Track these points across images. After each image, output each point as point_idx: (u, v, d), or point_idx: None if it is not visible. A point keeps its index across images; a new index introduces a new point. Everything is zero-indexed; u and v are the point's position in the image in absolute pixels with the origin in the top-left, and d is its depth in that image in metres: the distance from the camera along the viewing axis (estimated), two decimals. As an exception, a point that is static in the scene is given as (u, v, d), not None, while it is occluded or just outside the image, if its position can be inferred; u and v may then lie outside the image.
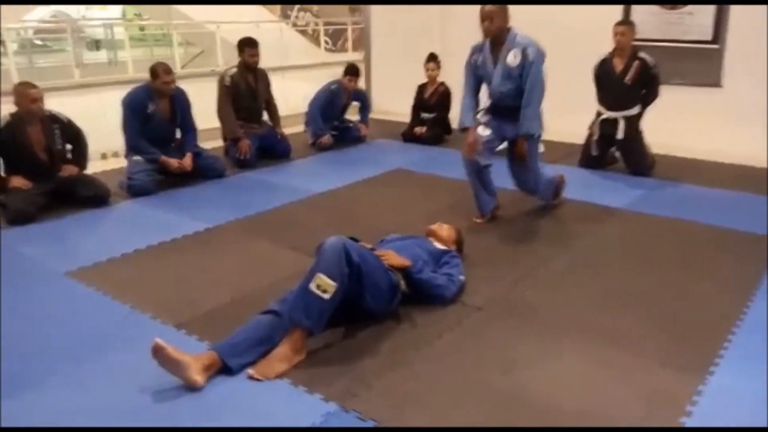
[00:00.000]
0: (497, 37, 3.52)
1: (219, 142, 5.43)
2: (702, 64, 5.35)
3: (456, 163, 5.30)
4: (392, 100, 6.99)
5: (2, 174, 3.99)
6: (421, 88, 6.09)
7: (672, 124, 5.00)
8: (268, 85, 5.35)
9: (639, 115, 4.67)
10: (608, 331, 2.49)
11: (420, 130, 5.98)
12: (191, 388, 2.08)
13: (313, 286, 2.23)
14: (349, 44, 15.70)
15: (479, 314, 2.65)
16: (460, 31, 6.68)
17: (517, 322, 2.59)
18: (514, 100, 3.58)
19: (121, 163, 4.80)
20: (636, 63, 4.52)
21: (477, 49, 3.67)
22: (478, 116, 3.78)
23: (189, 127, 4.74)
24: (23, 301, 2.81)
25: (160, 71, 4.43)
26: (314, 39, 14.63)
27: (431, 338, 2.45)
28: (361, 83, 7.96)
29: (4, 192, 3.86)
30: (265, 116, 5.46)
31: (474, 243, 3.33)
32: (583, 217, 3.92)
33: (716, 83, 5.37)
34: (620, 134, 4.64)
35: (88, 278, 3.02)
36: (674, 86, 5.12)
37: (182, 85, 4.78)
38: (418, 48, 6.87)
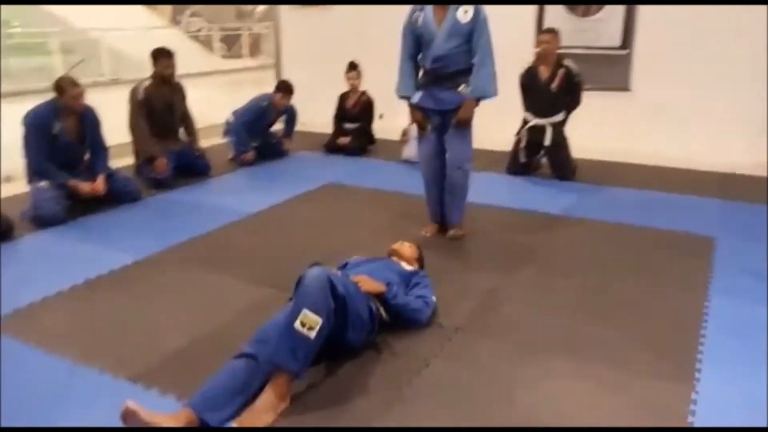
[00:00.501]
0: None
1: (126, 161, 4.99)
2: (612, 69, 5.61)
3: (386, 173, 5.27)
4: (309, 109, 6.77)
5: None
6: (343, 98, 5.94)
7: (586, 128, 5.17)
8: (184, 98, 4.98)
9: (564, 122, 4.81)
10: (592, 345, 2.48)
11: (344, 140, 5.83)
12: (170, 453, 1.81)
13: (297, 325, 2.03)
14: (245, 50, 15.20)
15: (460, 335, 2.55)
16: (380, 38, 6.66)
17: (500, 341, 2.52)
18: (457, 62, 3.37)
19: (20, 188, 4.27)
20: (561, 71, 4.65)
21: (417, 9, 3.42)
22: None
23: (99, 148, 4.30)
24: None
25: (66, 85, 3.97)
26: (207, 45, 14.03)
27: (418, 367, 2.32)
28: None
29: None
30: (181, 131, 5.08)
31: (429, 259, 3.23)
32: (529, 225, 3.95)
33: (625, 87, 5.66)
34: (548, 141, 4.75)
35: (12, 330, 2.60)
36: (587, 91, 5.33)
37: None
38: (335, 55, 6.76)
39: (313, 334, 2.03)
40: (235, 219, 4.02)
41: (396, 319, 2.52)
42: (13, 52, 11.70)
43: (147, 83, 4.72)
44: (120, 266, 3.28)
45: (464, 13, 3.32)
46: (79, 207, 4.13)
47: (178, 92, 4.90)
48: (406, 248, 2.99)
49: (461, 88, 3.40)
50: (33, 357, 2.41)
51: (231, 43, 15.14)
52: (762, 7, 5.01)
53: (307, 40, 7.26)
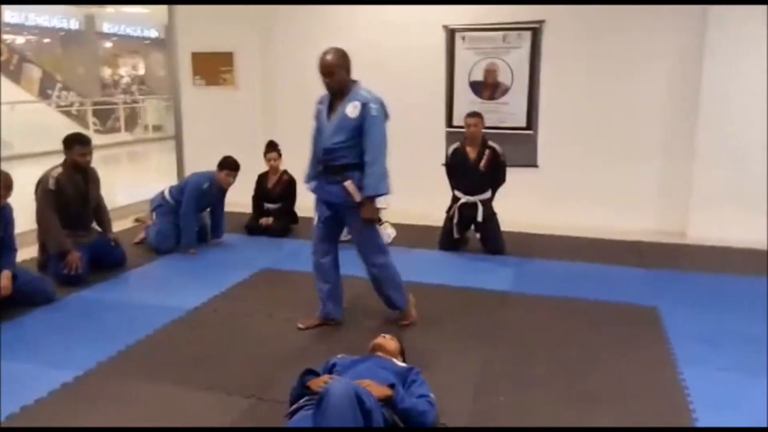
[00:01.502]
0: (339, 90, 3.30)
1: (25, 254, 4.44)
2: (521, 147, 5.98)
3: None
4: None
5: None
6: (262, 178, 5.78)
7: (503, 201, 5.41)
8: (98, 185, 4.55)
9: (491, 198, 5.01)
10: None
11: (266, 221, 5.63)
12: None
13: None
14: (121, 124, 14.45)
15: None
16: (285, 116, 6.65)
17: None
18: (344, 157, 3.29)
19: None
20: (488, 151, 4.87)
21: (319, 100, 3.45)
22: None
23: (10, 246, 3.79)
24: None
25: None
26: (80, 120, 13.17)
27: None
28: (173, 168, 7.33)
29: None
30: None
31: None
32: (481, 304, 3.98)
33: (533, 164, 6.05)
34: (480, 217, 4.91)
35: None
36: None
37: None
38: (241, 132, 6.64)
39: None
40: (172, 317, 3.67)
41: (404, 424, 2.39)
42: None
43: (58, 171, 4.27)
44: (60, 384, 2.83)
45: (353, 108, 3.25)
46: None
47: (93, 179, 4.48)
48: (390, 342, 2.87)
49: (347, 183, 3.30)
50: None
51: (105, 117, 14.34)
52: (660, 89, 5.63)
53: (212, 118, 7.04)
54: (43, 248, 4.39)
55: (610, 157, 5.87)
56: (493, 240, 5.01)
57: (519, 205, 5.51)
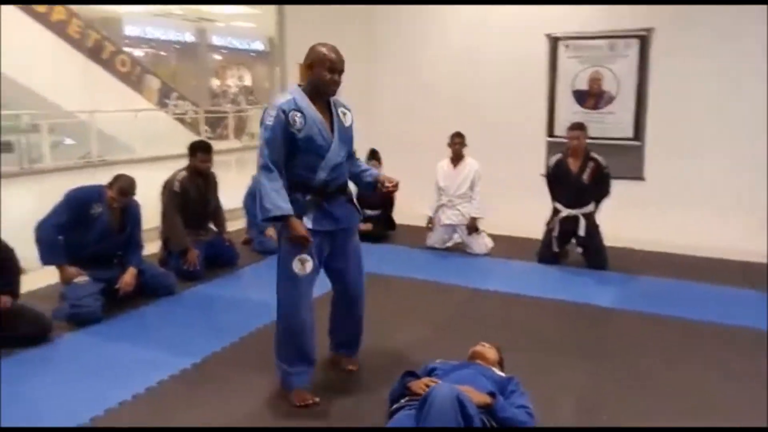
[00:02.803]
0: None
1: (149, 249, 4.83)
2: (626, 159, 5.80)
3: (417, 261, 5.23)
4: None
5: None
6: (363, 185, 5.95)
7: (605, 216, 5.27)
8: (216, 189, 4.91)
9: (594, 212, 4.90)
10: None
11: (365, 226, 5.79)
12: None
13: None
14: (230, 131, 15.31)
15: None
16: (388, 127, 6.83)
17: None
18: (344, 173, 2.86)
19: (42, 281, 4.04)
20: (591, 164, 4.78)
21: (290, 107, 2.63)
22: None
23: (137, 243, 4.18)
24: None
25: (117, 181, 3.95)
26: (193, 127, 14.10)
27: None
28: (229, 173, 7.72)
29: None
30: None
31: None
32: (581, 319, 3.92)
33: (639, 176, 5.84)
34: (582, 231, 4.82)
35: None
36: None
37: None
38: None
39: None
40: (280, 314, 3.88)
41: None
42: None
43: (182, 175, 4.65)
44: (179, 371, 3.09)
45: (344, 116, 2.84)
46: (113, 303, 3.94)
47: (212, 184, 4.84)
48: (490, 351, 2.90)
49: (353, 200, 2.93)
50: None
51: (216, 125, 15.24)
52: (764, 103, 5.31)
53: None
54: (165, 245, 4.77)
55: (721, 172, 5.56)
56: (595, 254, 4.90)
57: (623, 219, 5.35)
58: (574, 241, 4.98)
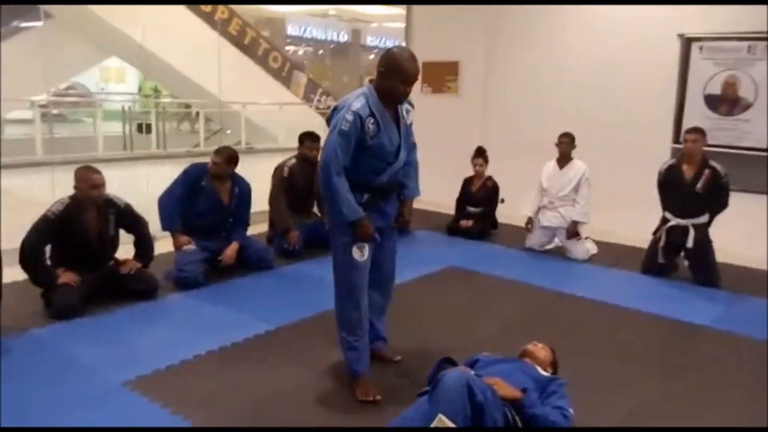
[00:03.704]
0: None
1: (258, 229, 5.25)
2: (757, 171, 5.25)
3: (510, 261, 5.17)
4: (433, 190, 6.87)
5: (49, 265, 3.71)
6: (467, 182, 5.98)
7: (724, 230, 4.78)
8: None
9: (708, 224, 4.52)
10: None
11: (466, 223, 5.82)
12: None
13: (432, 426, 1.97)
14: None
15: (601, 457, 2.37)
16: (503, 125, 6.78)
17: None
18: (400, 173, 2.87)
19: (163, 248, 4.58)
20: (707, 171, 4.41)
21: (365, 112, 2.60)
22: None
23: (244, 221, 4.60)
24: (75, 417, 2.52)
25: (214, 155, 4.40)
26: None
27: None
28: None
29: (52, 289, 3.60)
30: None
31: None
32: (675, 335, 3.66)
33: (765, 190, 5.25)
34: (690, 243, 4.47)
35: (149, 390, 2.74)
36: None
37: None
38: (459, 139, 6.89)
39: (448, 440, 1.96)
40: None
41: (529, 429, 2.38)
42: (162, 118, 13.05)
43: (292, 161, 5.03)
44: (253, 335, 3.39)
45: (406, 113, 2.79)
46: (215, 271, 4.36)
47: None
48: (541, 350, 2.85)
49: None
50: (163, 419, 2.51)
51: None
52: None
53: (434, 123, 7.46)
54: (271, 224, 5.17)
55: None
56: (704, 270, 4.51)
57: (743, 235, 4.86)
58: (683, 253, 4.62)
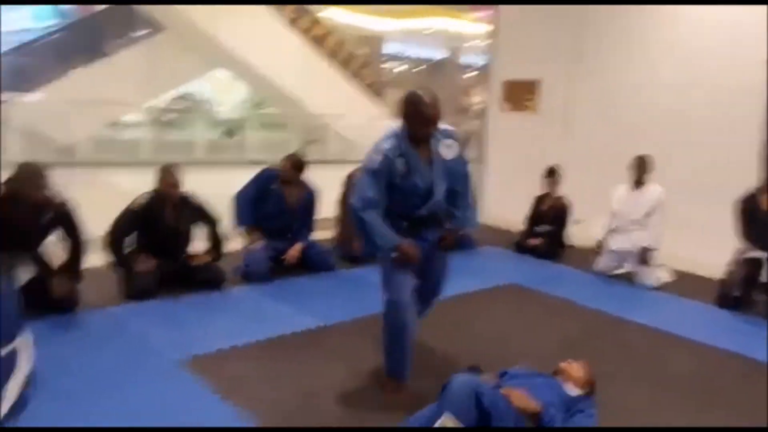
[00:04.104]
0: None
1: (327, 234, 5.45)
2: None
3: (576, 282, 5.07)
4: (504, 206, 6.86)
5: (130, 251, 4.07)
6: (539, 200, 5.91)
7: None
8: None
9: (786, 257, 4.24)
10: None
11: (534, 242, 5.76)
12: None
13: (439, 425, 2.02)
14: (471, 148, 15.94)
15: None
16: (580, 145, 6.64)
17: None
18: (443, 206, 2.91)
19: (235, 245, 4.87)
20: (791, 203, 4.15)
21: (394, 152, 2.69)
22: None
23: (307, 223, 4.83)
24: (133, 386, 2.78)
25: (284, 161, 4.69)
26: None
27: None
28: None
29: (129, 271, 3.96)
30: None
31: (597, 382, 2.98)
32: (737, 372, 3.45)
33: None
34: (764, 277, 4.20)
35: (200, 370, 2.96)
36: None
37: None
38: (535, 157, 6.82)
39: (453, 438, 2.01)
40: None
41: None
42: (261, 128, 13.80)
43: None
44: (304, 329, 3.56)
45: (447, 149, 2.80)
46: (281, 269, 4.60)
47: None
48: (575, 369, 2.79)
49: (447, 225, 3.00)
50: (206, 399, 2.71)
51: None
52: None
53: (510, 140, 7.45)
54: (339, 229, 5.36)
55: None
56: (782, 307, 4.23)
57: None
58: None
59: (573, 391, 2.66)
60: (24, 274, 3.46)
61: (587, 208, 5.69)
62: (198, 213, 4.26)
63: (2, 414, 2.08)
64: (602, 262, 5.21)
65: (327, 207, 5.23)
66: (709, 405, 3.01)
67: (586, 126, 6.66)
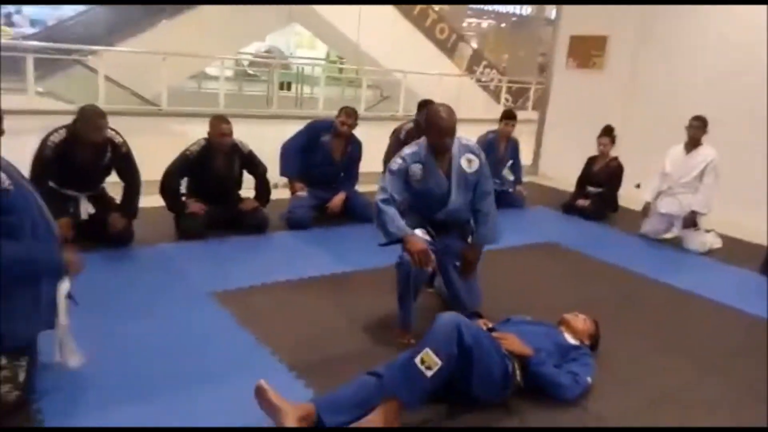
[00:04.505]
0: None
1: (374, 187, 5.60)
2: None
3: (619, 245, 5.00)
4: (559, 166, 6.77)
5: (184, 196, 4.40)
6: (591, 161, 5.80)
7: None
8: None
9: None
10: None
11: (583, 202, 5.69)
12: (283, 437, 2.10)
13: (418, 361, 2.16)
14: (530, 103, 15.57)
15: (599, 424, 2.39)
16: (644, 107, 6.39)
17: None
18: (465, 214, 3.15)
19: (283, 194, 5.12)
20: None
21: (412, 159, 2.99)
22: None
23: (353, 175, 5.02)
24: (165, 309, 3.09)
25: (341, 113, 4.83)
26: (495, 95, 14.77)
27: (538, 442, 2.26)
28: (530, 145, 7.80)
29: (181, 214, 4.30)
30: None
31: (611, 340, 3.02)
32: (760, 336, 3.39)
33: None
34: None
35: (227, 302, 3.23)
36: None
37: (363, 125, 5.00)
38: (597, 117, 6.63)
39: (430, 373, 2.14)
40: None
41: (537, 387, 2.47)
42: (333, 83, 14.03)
43: (409, 126, 5.31)
44: (332, 273, 3.79)
45: (468, 163, 3.03)
46: (325, 219, 4.83)
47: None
48: (580, 321, 2.87)
49: (469, 239, 3.21)
50: (228, 327, 2.98)
51: (518, 96, 15.66)
52: None
53: (571, 99, 7.26)
54: (384, 183, 5.51)
55: None
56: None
57: None
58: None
59: (572, 340, 2.73)
60: (86, 210, 3.87)
61: (648, 173, 5.52)
62: (247, 161, 4.52)
63: (64, 323, 2.31)
64: (649, 225, 5.10)
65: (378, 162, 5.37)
66: (733, 372, 2.98)
67: (652, 87, 6.40)
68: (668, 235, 5.09)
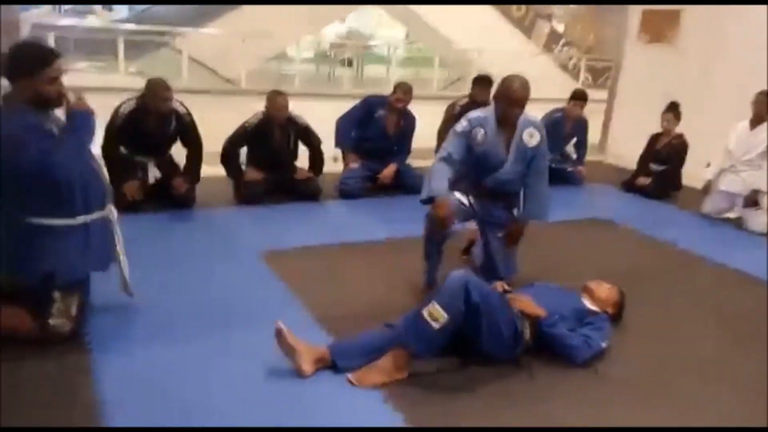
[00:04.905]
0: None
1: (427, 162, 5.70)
2: None
3: (675, 224, 4.85)
4: (627, 144, 6.57)
5: (241, 164, 4.69)
6: (654, 139, 5.63)
7: None
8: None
9: None
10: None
11: (643, 181, 5.54)
12: (299, 374, 2.30)
13: (425, 313, 2.30)
14: (609, 82, 14.98)
15: (608, 387, 2.44)
16: (718, 85, 6.07)
17: (650, 401, 2.32)
18: (515, 186, 3.19)
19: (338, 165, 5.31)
20: None
21: (477, 122, 3.07)
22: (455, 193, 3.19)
23: (404, 147, 5.14)
24: (215, 266, 3.36)
25: (397, 90, 4.95)
26: (574, 74, 14.34)
27: (548, 396, 2.34)
28: (598, 122, 7.57)
29: (240, 180, 4.59)
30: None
31: (643, 312, 3.02)
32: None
33: None
34: None
35: (273, 260, 3.47)
36: None
37: (434, 105, 5.03)
38: (668, 94, 6.39)
39: (437, 326, 2.27)
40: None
41: (548, 348, 2.54)
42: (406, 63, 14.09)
43: (464, 101, 5.38)
44: (376, 239, 3.95)
45: (530, 137, 3.07)
46: (377, 189, 4.99)
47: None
48: (604, 290, 2.88)
49: (515, 212, 3.24)
50: (266, 279, 3.23)
51: (598, 75, 15.10)
52: None
53: (644, 74, 7.01)
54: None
55: None
56: None
57: None
58: None
59: (591, 306, 2.76)
60: (153, 175, 4.23)
61: (720, 151, 5.29)
62: (302, 134, 4.75)
63: (128, 278, 2.62)
64: (710, 204, 4.93)
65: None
66: (747, 345, 2.92)
67: (726, 65, 6.07)
68: (731, 215, 4.89)
